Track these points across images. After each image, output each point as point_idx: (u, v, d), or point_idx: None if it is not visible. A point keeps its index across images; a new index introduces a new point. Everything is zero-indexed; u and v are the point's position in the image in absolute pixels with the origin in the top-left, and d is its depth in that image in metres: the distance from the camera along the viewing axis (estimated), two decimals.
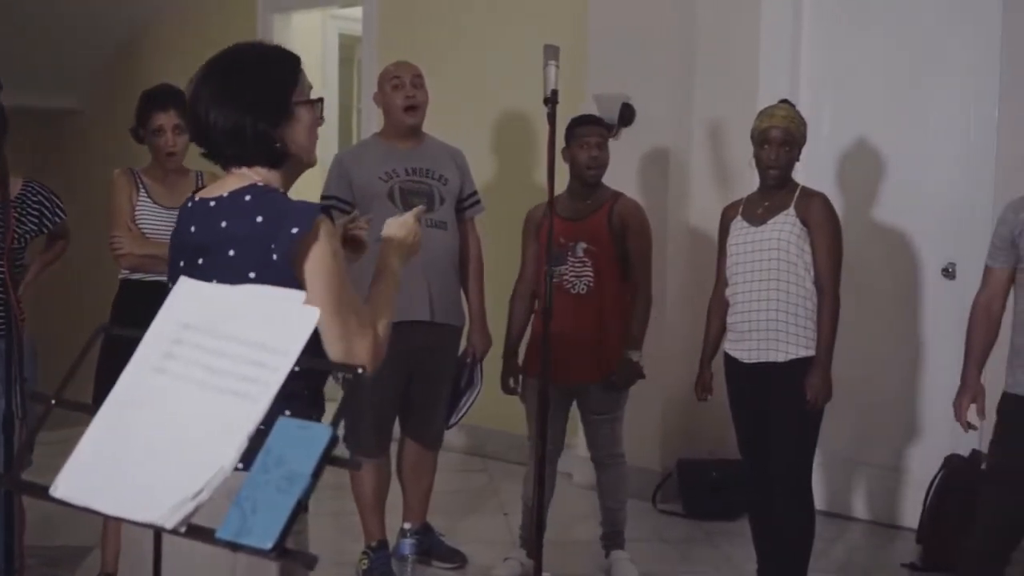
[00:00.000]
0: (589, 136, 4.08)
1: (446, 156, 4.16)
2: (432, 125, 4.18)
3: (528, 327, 4.19)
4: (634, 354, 4.02)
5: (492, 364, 4.29)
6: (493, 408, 5.76)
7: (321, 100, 2.19)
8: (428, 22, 6.08)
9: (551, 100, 3.24)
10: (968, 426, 3.35)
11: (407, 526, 3.97)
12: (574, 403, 4.18)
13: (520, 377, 4.13)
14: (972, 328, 3.38)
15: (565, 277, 4.02)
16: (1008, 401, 3.23)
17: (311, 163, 2.20)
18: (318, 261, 1.98)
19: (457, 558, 4.27)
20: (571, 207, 4.10)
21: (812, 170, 4.84)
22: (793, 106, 3.78)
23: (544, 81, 3.26)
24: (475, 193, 4.25)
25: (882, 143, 4.84)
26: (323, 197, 4.00)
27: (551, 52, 3.27)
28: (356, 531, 4.18)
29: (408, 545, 3.44)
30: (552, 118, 3.22)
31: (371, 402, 3.94)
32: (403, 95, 4.04)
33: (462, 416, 4.28)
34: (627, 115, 5.14)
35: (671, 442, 5.14)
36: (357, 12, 6.63)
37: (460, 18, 5.99)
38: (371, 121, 5.87)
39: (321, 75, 7.34)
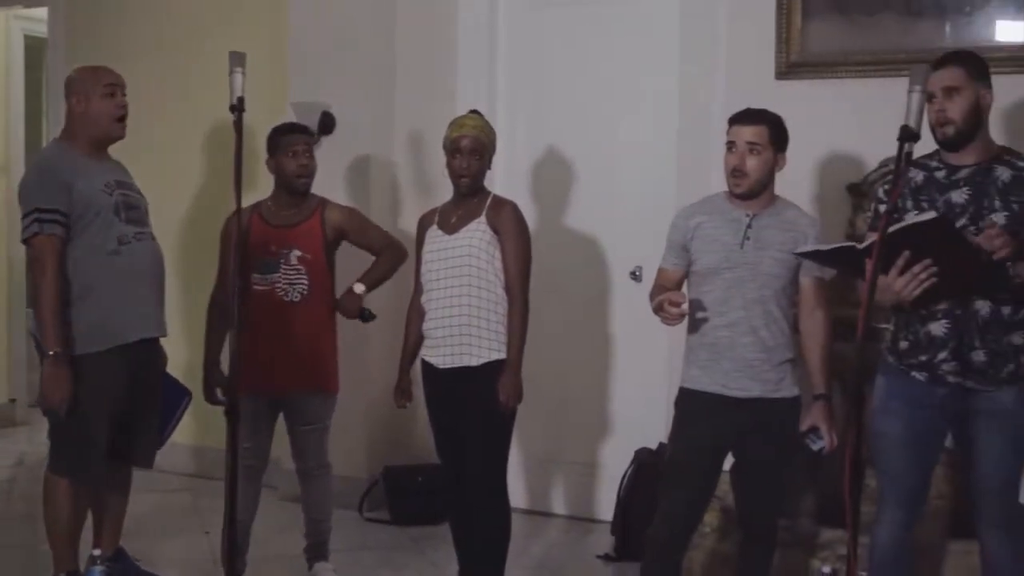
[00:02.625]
0: (296, 145, 4.06)
1: (122, 169, 4.00)
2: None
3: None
4: (358, 287, 4.05)
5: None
6: (194, 423, 5.59)
7: None
8: (119, 25, 5.84)
9: (237, 108, 3.15)
10: None
11: (97, 552, 3.77)
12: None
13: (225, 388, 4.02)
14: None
15: (278, 285, 3.98)
16: (683, 395, 3.43)
17: None
18: None
19: None
20: (280, 215, 4.07)
21: (508, 178, 5.01)
22: (482, 116, 3.88)
23: (230, 88, 3.19)
24: None
25: (574, 153, 5.05)
26: (42, 210, 3.61)
27: (237, 59, 3.19)
28: (46, 562, 3.94)
29: (98, 572, 3.26)
30: (239, 126, 3.15)
31: (101, 425, 3.74)
32: (116, 104, 3.85)
33: (173, 429, 4.13)
34: (327, 123, 5.13)
35: (377, 449, 5.15)
36: (43, 13, 6.27)
37: (154, 23, 5.79)
38: (59, 127, 5.57)
39: (5, 79, 6.90)
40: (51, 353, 3.63)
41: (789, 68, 4.54)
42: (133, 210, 3.85)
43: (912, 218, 2.93)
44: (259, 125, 4.27)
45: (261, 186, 5.00)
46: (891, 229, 2.73)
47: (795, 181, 3.96)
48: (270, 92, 5.12)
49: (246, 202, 3.99)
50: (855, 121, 4.33)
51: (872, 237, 2.89)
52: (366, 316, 4.10)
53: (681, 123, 4.79)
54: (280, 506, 4.82)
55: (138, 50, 5.63)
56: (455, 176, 3.78)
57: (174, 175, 5.54)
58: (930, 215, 2.85)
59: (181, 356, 4.95)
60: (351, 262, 4.18)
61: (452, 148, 3.77)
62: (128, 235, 3.80)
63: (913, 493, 3.22)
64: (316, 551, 4.18)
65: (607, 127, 5.02)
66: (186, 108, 5.63)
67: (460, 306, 3.68)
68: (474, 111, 3.92)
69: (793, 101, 4.13)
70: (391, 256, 4.13)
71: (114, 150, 3.99)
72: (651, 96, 4.90)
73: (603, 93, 5.02)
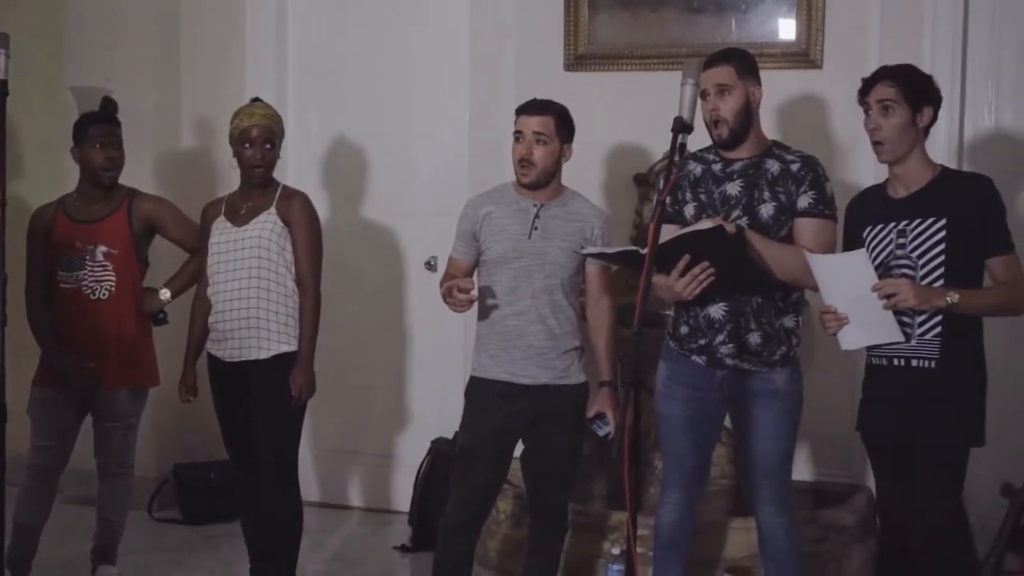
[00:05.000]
0: (104, 136, 3.94)
1: None
2: None
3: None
4: (164, 293, 3.98)
5: None
6: None
7: None
8: None
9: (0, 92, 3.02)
10: None
11: None
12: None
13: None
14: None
15: (84, 283, 3.86)
16: (473, 383, 3.46)
17: None
18: None
19: None
20: (84, 209, 3.94)
21: (299, 168, 4.94)
22: (268, 104, 3.80)
23: None
24: None
25: (367, 142, 5.02)
26: None
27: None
28: None
29: None
30: (1, 111, 3.01)
31: None
32: None
33: None
34: (109, 109, 4.92)
35: (166, 447, 5.00)
36: None
37: None
38: None
39: None
40: None
41: (577, 60, 4.64)
42: None
43: (693, 226, 3.04)
44: (30, 111, 4.07)
45: (28, 175, 4.79)
46: (673, 237, 2.92)
47: (583, 171, 4.04)
48: (44, 75, 4.89)
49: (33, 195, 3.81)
50: (640, 113, 4.44)
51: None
52: (159, 320, 4.04)
53: (472, 113, 4.83)
54: (63, 508, 4.60)
55: None
56: (249, 167, 3.69)
57: None
58: (709, 224, 2.97)
59: None
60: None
61: (242, 139, 3.68)
62: None
63: (694, 473, 3.34)
64: (102, 553, 4.04)
65: (400, 116, 5.00)
66: None
67: (248, 299, 3.61)
68: (257, 99, 3.83)
69: (581, 92, 4.24)
70: (201, 259, 3.99)
71: None
72: (443, 86, 4.91)
73: (395, 82, 5.00)
